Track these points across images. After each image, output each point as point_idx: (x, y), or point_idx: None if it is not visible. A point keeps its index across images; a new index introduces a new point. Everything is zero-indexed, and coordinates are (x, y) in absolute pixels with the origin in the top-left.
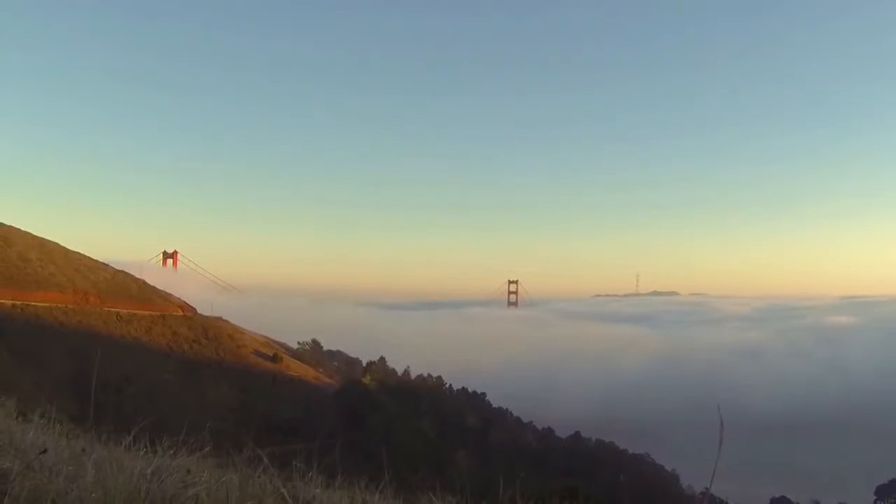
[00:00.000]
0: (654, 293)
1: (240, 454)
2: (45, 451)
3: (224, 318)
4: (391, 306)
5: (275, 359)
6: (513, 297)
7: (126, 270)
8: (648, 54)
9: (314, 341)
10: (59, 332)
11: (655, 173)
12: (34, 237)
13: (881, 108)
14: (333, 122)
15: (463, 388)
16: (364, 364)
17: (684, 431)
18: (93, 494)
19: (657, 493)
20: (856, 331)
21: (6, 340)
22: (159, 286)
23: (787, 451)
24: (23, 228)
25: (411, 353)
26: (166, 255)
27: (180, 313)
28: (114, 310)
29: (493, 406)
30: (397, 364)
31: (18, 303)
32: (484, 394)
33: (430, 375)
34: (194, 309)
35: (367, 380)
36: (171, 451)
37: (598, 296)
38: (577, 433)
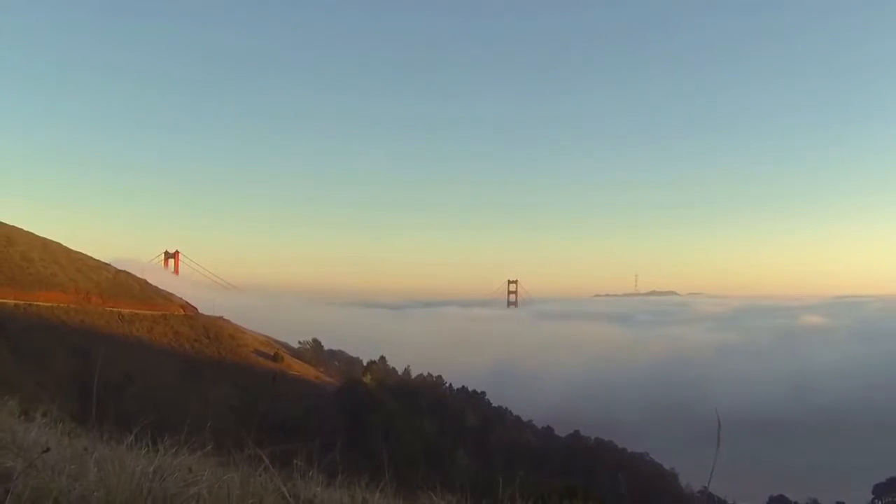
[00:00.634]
0: (653, 293)
1: (241, 453)
2: (47, 450)
3: (225, 317)
4: (391, 306)
5: (275, 358)
6: (512, 296)
7: (128, 270)
8: (647, 56)
9: (315, 341)
10: (61, 331)
11: (655, 174)
12: (37, 237)
13: (882, 109)
14: (334, 123)
15: (463, 387)
16: (364, 363)
17: (651, 430)
18: (95, 493)
19: (656, 491)
20: (823, 331)
21: (9, 340)
22: (161, 286)
23: (751, 450)
24: (25, 228)
25: (411, 353)
26: (168, 255)
27: (182, 313)
28: (116, 309)
29: (493, 405)
30: (397, 363)
31: (21, 302)
32: (484, 393)
33: (430, 375)
34: (196, 308)
35: (367, 379)
36: (173, 450)
37: (597, 295)
38: (577, 432)
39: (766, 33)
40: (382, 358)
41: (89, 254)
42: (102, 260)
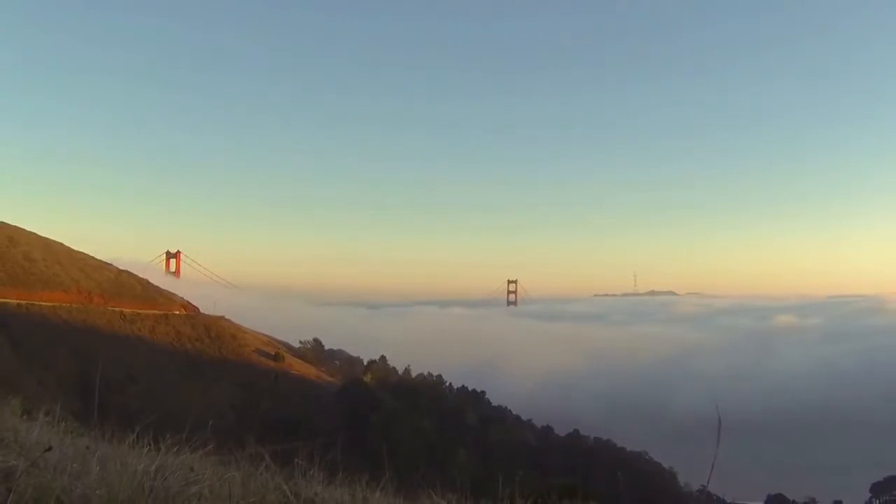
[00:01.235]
0: (652, 293)
1: (242, 452)
2: (49, 449)
3: (226, 317)
4: (392, 305)
5: (276, 357)
6: (512, 296)
7: (129, 270)
8: (647, 58)
9: (315, 340)
10: (63, 331)
11: (654, 174)
12: (39, 237)
13: (882, 109)
14: (335, 124)
15: (463, 386)
16: (365, 363)
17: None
18: (97, 492)
19: (655, 490)
20: (797, 330)
21: (11, 339)
22: (162, 286)
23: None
24: (28, 229)
25: (412, 352)
26: (169, 255)
27: (183, 312)
28: (117, 309)
29: (493, 404)
30: (398, 363)
31: (23, 302)
32: (483, 392)
33: (430, 374)
34: (197, 308)
35: (367, 378)
36: (175, 449)
37: (596, 295)
38: (576, 431)
39: (765, 35)
40: (383, 357)
41: (91, 254)
42: (104, 260)
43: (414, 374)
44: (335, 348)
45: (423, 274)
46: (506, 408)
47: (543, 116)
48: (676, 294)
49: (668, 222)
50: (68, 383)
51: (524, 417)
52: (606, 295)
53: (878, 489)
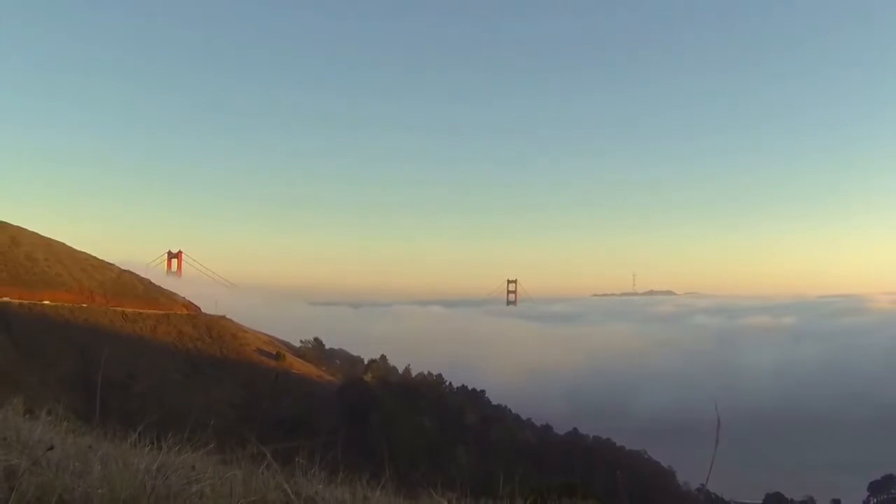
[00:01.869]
0: (651, 292)
1: (243, 451)
2: (51, 448)
3: (228, 316)
4: (392, 305)
5: (277, 357)
6: (511, 296)
7: (131, 270)
8: (646, 58)
9: (316, 340)
10: (65, 330)
11: (654, 175)
12: (41, 237)
13: (883, 109)
14: (335, 125)
15: (463, 385)
16: (365, 362)
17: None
18: (99, 490)
19: (654, 489)
20: (768, 330)
21: (14, 339)
22: (164, 286)
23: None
24: (30, 229)
25: (412, 352)
26: (171, 255)
27: (185, 312)
28: (119, 309)
29: (493, 403)
30: (398, 362)
31: (26, 302)
32: (483, 391)
33: (430, 373)
34: (198, 308)
35: (368, 378)
36: (176, 448)
37: (595, 295)
38: (575, 430)
39: (765, 35)
40: (383, 357)
41: (93, 254)
42: (106, 260)
43: (414, 373)
44: (336, 348)
45: (423, 274)
46: (505, 407)
47: (543, 117)
48: (675, 294)
49: (667, 223)
50: (70, 382)
51: (524, 416)
52: (605, 295)
53: (875, 488)
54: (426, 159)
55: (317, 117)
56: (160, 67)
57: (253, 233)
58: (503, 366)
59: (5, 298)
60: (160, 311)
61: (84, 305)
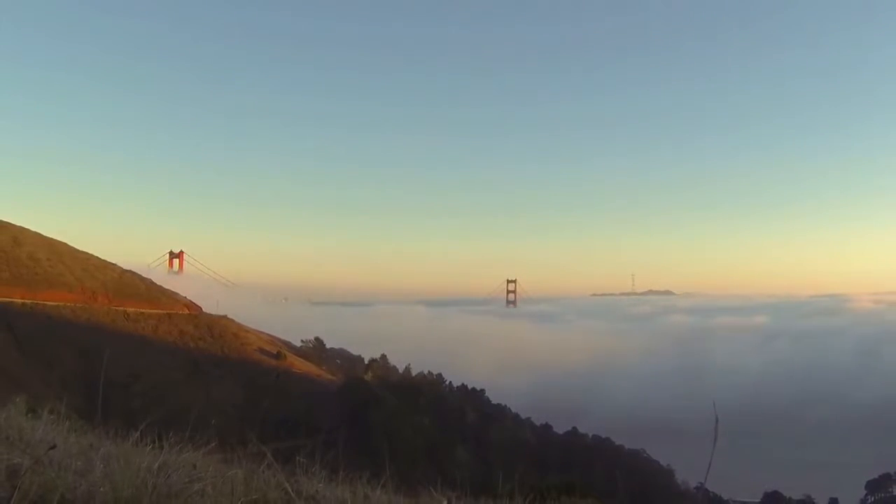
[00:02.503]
0: (650, 292)
1: (244, 450)
2: (54, 447)
3: (229, 316)
4: (393, 305)
5: (278, 356)
6: (511, 295)
7: (133, 270)
8: (645, 59)
9: (317, 339)
10: (67, 330)
11: (654, 175)
12: (44, 237)
13: (882, 110)
14: (337, 125)
15: (462, 384)
16: (366, 361)
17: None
18: (101, 489)
19: (653, 488)
20: (739, 330)
21: (17, 338)
22: (166, 286)
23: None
24: (32, 229)
25: (412, 351)
26: (172, 255)
27: (186, 312)
28: (121, 308)
29: (493, 402)
30: (398, 362)
31: (28, 302)
32: (483, 390)
33: (430, 373)
34: (200, 308)
35: (368, 377)
36: (177, 447)
37: (594, 295)
38: (574, 429)
39: (764, 37)
40: (383, 356)
41: (95, 254)
42: (108, 260)
43: (414, 372)
44: (336, 347)
45: (423, 274)
46: (505, 406)
47: (543, 119)
48: (674, 293)
49: (666, 223)
50: (72, 382)
51: (523, 415)
52: (605, 294)
53: (873, 486)
54: (426, 160)
55: (317, 118)
56: (162, 68)
57: (254, 233)
58: (503, 365)
59: (8, 298)
60: (162, 311)
61: (86, 305)
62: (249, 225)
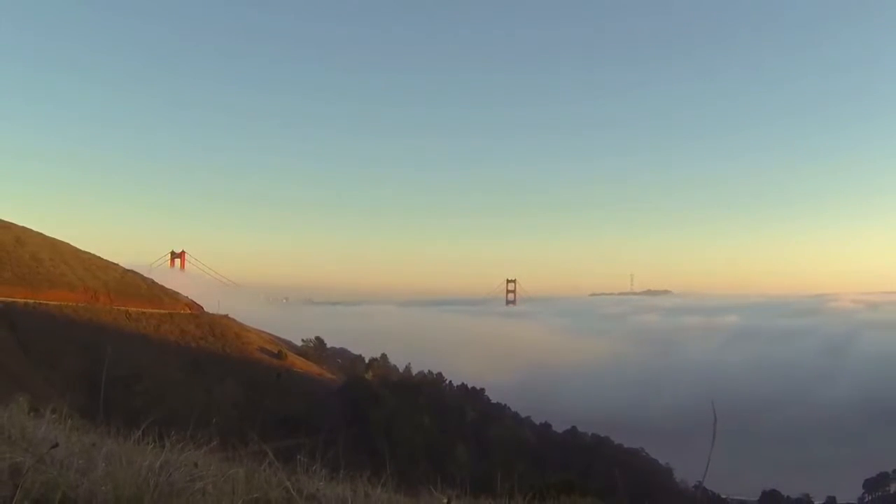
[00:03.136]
0: (648, 292)
1: (245, 449)
2: (56, 446)
3: (230, 316)
4: (392, 305)
5: (279, 356)
6: (511, 295)
7: (135, 270)
8: (643, 60)
9: (318, 339)
10: (70, 329)
11: (653, 174)
12: (46, 238)
13: (882, 110)
14: (337, 126)
15: (462, 384)
16: (366, 361)
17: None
18: (103, 487)
19: (652, 486)
20: (702, 330)
21: (19, 338)
22: (167, 285)
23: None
24: (35, 229)
25: (412, 351)
26: (174, 255)
27: (188, 312)
28: (123, 308)
29: (492, 401)
30: (398, 361)
31: (31, 301)
32: (483, 389)
33: (430, 372)
34: (201, 307)
35: (369, 376)
36: (179, 446)
37: (593, 294)
38: (574, 428)
39: (765, 38)
40: (384, 356)
41: (97, 254)
42: (110, 260)
43: (414, 372)
44: (337, 347)
45: (423, 273)
46: (505, 405)
47: (542, 118)
48: (673, 293)
49: (666, 223)
50: (75, 381)
51: (522, 414)
52: (603, 294)
53: (870, 485)
54: (427, 160)
55: (318, 119)
56: (165, 68)
57: (255, 233)
58: (503, 364)
59: (10, 298)
60: (163, 311)
61: (88, 305)
62: (251, 225)
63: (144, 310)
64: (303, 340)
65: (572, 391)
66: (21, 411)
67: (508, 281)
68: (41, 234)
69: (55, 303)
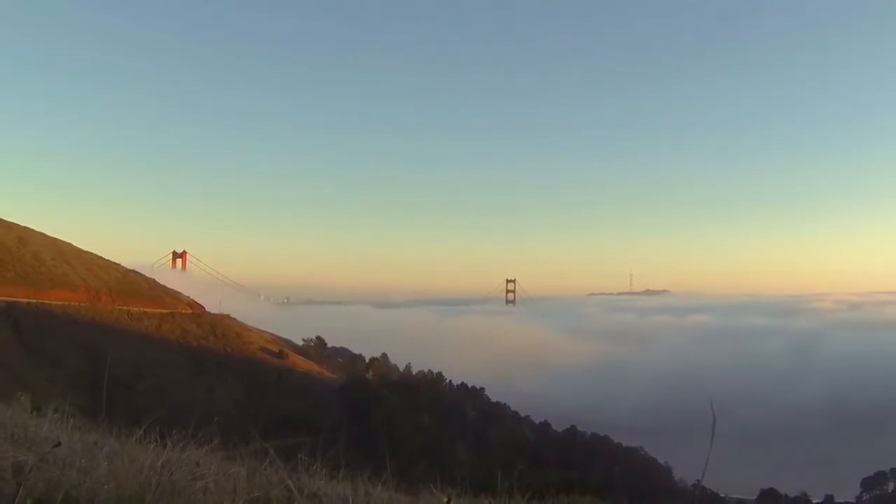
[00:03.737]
0: (647, 292)
1: (247, 447)
2: (58, 445)
3: (231, 315)
4: (392, 304)
5: (280, 355)
6: (511, 295)
7: (137, 270)
8: (643, 60)
9: (318, 338)
10: (72, 329)
11: (652, 174)
12: (48, 238)
13: (882, 109)
14: (338, 127)
15: (462, 383)
16: (367, 360)
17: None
18: (105, 486)
19: (650, 485)
20: (671, 329)
21: (22, 337)
22: (169, 285)
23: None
24: (37, 229)
25: (412, 350)
26: (175, 255)
27: (189, 311)
28: (125, 308)
29: (492, 401)
30: (399, 360)
31: (33, 301)
32: (483, 389)
33: (430, 371)
34: (202, 307)
35: (369, 376)
36: (181, 445)
37: (592, 294)
38: (573, 427)
39: (764, 38)
40: (384, 355)
41: (99, 254)
42: (112, 260)
43: (414, 371)
44: (337, 346)
45: (423, 273)
46: (504, 404)
47: (541, 118)
48: (671, 293)
49: (666, 223)
50: (76, 380)
51: (522, 413)
52: (602, 294)
53: (868, 484)
54: (427, 161)
55: (320, 120)
56: (168, 69)
57: (256, 233)
58: (502, 364)
59: (12, 298)
60: (165, 311)
61: (90, 305)
62: (252, 226)
63: (146, 309)
64: (303, 340)
65: (572, 390)
66: (23, 410)
67: (508, 281)
68: (43, 234)
69: (57, 302)
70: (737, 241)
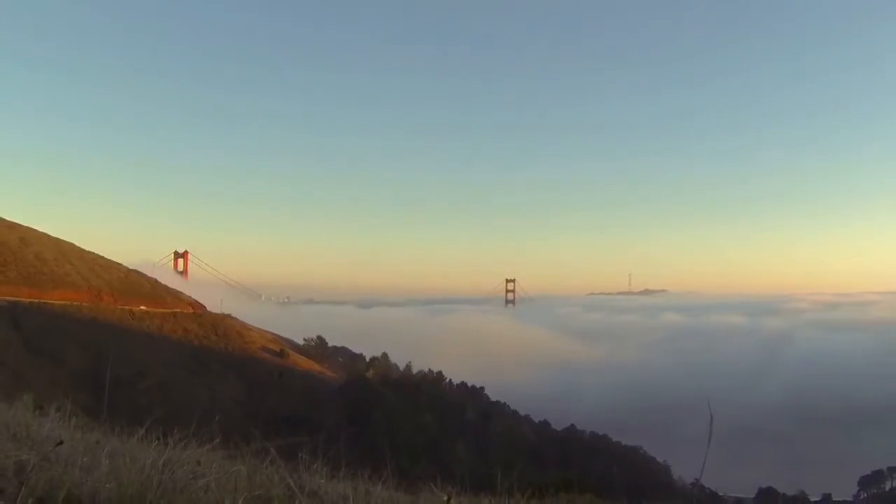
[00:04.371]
0: (646, 291)
1: (248, 446)
2: (60, 443)
3: (233, 315)
4: (393, 304)
5: (281, 354)
6: (510, 295)
7: (138, 270)
8: (643, 59)
9: (319, 338)
10: (74, 329)
11: (651, 174)
12: (50, 238)
13: (881, 109)
14: (339, 127)
15: (462, 382)
16: (367, 360)
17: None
18: (107, 485)
19: (649, 484)
20: (646, 328)
21: (24, 337)
22: (170, 285)
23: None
24: (39, 229)
25: (412, 350)
26: (177, 255)
27: (190, 311)
28: (127, 307)
29: (492, 400)
30: (399, 360)
31: (35, 301)
32: (482, 388)
33: (430, 371)
34: (204, 307)
35: (370, 375)
36: (182, 444)
37: (591, 294)
38: (572, 426)
39: (765, 38)
40: (384, 354)
41: (101, 253)
42: (114, 260)
43: (415, 370)
44: (338, 346)
45: (423, 273)
46: (504, 403)
47: (541, 118)
48: (670, 292)
49: (665, 223)
50: (79, 379)
51: (522, 413)
52: (601, 294)
53: (865, 483)
54: (427, 161)
55: (320, 120)
56: (169, 69)
57: (257, 233)
58: (502, 363)
59: (15, 297)
60: (167, 310)
61: (92, 304)
62: (253, 225)
63: (148, 309)
64: (304, 339)
65: (571, 390)
66: (26, 409)
67: (508, 281)
68: (45, 234)
69: (59, 302)
70: (737, 241)
